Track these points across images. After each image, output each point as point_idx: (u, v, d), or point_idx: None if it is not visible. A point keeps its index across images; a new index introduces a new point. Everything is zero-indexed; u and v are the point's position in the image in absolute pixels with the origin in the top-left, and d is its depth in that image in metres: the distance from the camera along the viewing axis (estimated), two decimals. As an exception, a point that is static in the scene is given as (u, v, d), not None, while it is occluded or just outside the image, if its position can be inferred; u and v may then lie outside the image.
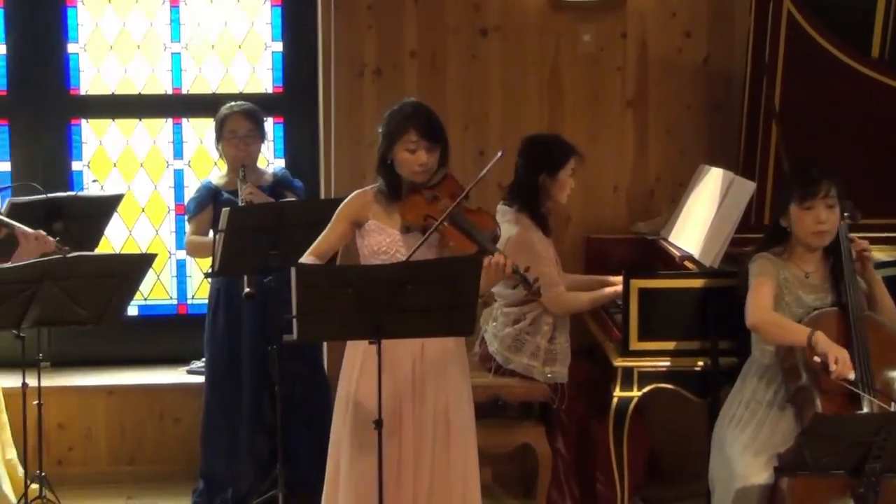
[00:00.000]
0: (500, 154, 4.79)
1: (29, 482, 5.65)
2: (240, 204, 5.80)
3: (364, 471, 4.71)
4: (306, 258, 4.81)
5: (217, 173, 6.37)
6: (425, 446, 4.77)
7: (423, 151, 4.75)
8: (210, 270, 5.73)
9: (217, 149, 6.19)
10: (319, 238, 4.87)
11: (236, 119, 6.08)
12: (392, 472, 4.73)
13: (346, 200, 4.89)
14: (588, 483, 5.93)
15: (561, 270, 5.89)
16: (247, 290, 5.54)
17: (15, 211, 5.42)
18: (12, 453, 5.93)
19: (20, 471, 5.91)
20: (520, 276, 4.66)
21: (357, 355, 4.82)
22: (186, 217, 6.24)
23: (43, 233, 4.79)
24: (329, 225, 4.86)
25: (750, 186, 5.62)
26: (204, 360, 6.35)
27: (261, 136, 6.15)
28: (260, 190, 5.97)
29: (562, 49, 6.64)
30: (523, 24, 6.61)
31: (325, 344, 6.47)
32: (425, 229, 4.69)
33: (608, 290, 5.83)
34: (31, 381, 5.58)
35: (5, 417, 5.92)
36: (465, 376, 4.92)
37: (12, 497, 5.84)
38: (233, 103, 6.16)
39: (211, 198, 6.12)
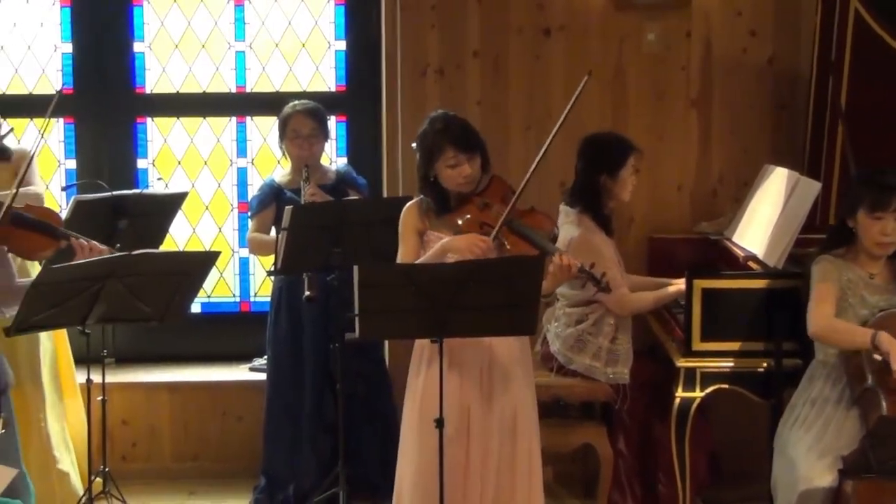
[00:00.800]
0: (541, 153, 4.78)
1: (93, 477, 5.70)
2: (302, 204, 5.82)
3: (429, 470, 4.71)
4: None
5: (280, 171, 6.39)
6: (491, 449, 4.78)
7: (465, 164, 4.75)
8: (272, 268, 5.76)
9: (280, 147, 6.20)
10: (400, 255, 4.88)
11: (299, 118, 6.09)
12: (458, 473, 4.74)
13: (403, 214, 4.92)
14: (650, 484, 5.91)
15: (624, 271, 5.86)
16: (307, 293, 5.55)
17: (80, 209, 5.46)
18: (66, 463, 5.98)
19: (73, 479, 5.95)
20: (586, 273, 4.65)
21: (423, 355, 4.83)
22: (249, 214, 6.27)
23: (96, 243, 4.82)
24: (401, 241, 4.90)
25: (815, 187, 5.57)
26: (266, 357, 6.37)
27: (324, 135, 6.16)
28: (322, 189, 5.98)
29: (626, 49, 6.61)
30: (587, 24, 6.58)
31: (386, 342, 6.48)
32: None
33: (671, 289, 5.79)
34: (96, 378, 5.63)
35: (55, 426, 5.95)
36: (530, 379, 4.93)
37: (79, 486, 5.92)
38: (296, 102, 6.18)
39: (274, 196, 6.14)
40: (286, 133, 6.11)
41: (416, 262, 4.77)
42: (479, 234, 4.70)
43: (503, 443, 4.79)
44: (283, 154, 6.23)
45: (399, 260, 4.87)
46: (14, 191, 4.75)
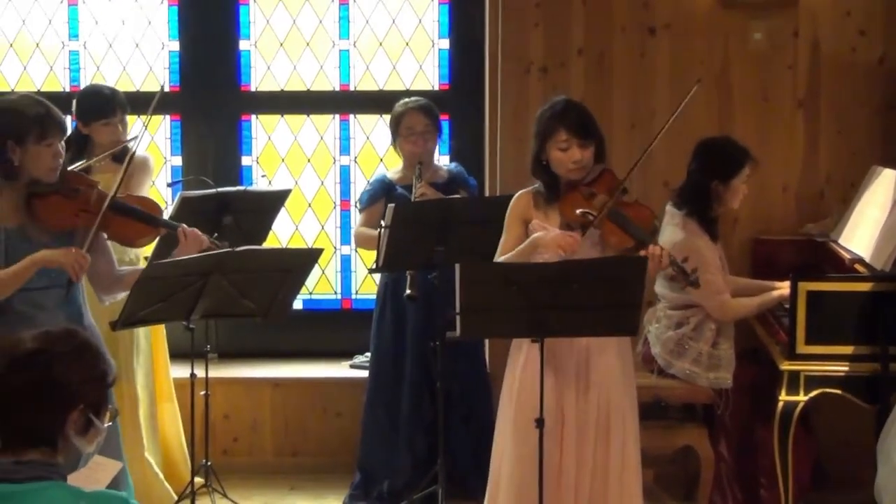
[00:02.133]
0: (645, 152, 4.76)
1: (195, 471, 5.76)
2: (403, 201, 5.83)
3: (525, 470, 4.71)
4: None
5: (393, 167, 6.40)
6: (586, 449, 4.75)
7: (576, 148, 4.72)
8: (374, 265, 5.77)
9: (393, 145, 6.19)
10: (501, 244, 4.87)
11: (413, 115, 6.08)
12: (553, 473, 4.72)
13: (511, 203, 4.90)
14: (751, 488, 5.84)
15: (728, 275, 5.80)
16: (408, 291, 5.55)
17: (186, 205, 5.51)
18: (157, 466, 6.04)
19: (164, 482, 6.02)
20: (677, 266, 4.62)
21: (520, 354, 4.82)
22: (359, 208, 6.27)
23: (197, 231, 4.86)
24: (505, 230, 4.88)
25: (925, 189, 5.49)
26: (367, 354, 6.38)
27: (437, 131, 6.14)
28: (433, 187, 5.96)
29: (731, 48, 6.55)
30: (692, 23, 6.53)
31: (487, 342, 6.47)
32: (584, 226, 4.67)
33: (775, 293, 5.73)
34: (199, 373, 5.69)
35: (142, 424, 6.01)
36: (631, 381, 4.88)
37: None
38: (408, 100, 6.17)
39: (385, 192, 6.11)
40: (399, 130, 6.09)
41: (505, 256, 4.76)
42: (581, 221, 4.69)
43: (598, 443, 4.76)
44: (396, 151, 6.21)
45: (499, 249, 4.86)
46: (119, 179, 4.81)
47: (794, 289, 5.34)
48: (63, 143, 4.56)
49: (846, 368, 5.37)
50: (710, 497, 5.81)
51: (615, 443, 4.77)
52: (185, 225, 4.83)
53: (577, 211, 4.69)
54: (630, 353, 4.91)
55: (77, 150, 5.66)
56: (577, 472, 4.75)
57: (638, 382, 5.08)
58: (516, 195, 4.92)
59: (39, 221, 4.53)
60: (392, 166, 6.43)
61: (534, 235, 4.73)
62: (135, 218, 4.73)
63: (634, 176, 6.22)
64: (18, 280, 4.47)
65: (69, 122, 5.57)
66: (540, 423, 4.55)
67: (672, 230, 5.61)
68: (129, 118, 5.97)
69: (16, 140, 4.43)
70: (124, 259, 5.56)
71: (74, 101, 5.82)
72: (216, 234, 5.19)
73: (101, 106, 5.81)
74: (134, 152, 5.17)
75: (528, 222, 4.83)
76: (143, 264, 5.35)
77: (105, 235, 4.70)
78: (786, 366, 5.40)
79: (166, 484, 6.00)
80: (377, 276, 6.46)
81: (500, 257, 4.83)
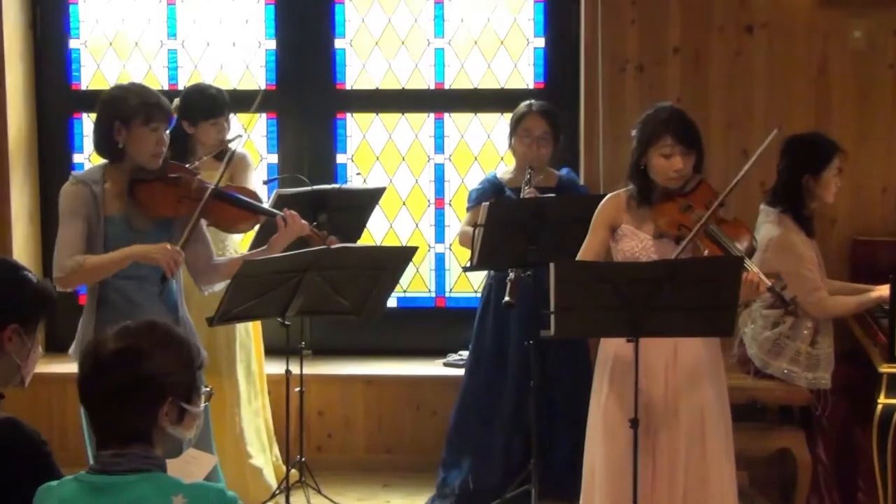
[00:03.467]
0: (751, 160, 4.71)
1: (290, 467, 5.80)
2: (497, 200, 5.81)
3: (618, 472, 4.69)
4: None
5: (504, 168, 6.38)
6: (679, 454, 4.71)
7: (679, 157, 4.68)
8: (468, 264, 5.76)
9: (509, 144, 6.16)
10: (584, 246, 4.85)
11: (534, 118, 6.03)
12: (647, 477, 4.70)
13: (600, 205, 4.87)
14: (849, 492, 5.78)
15: (824, 275, 5.73)
16: (506, 298, 5.48)
17: (282, 202, 5.54)
18: (260, 460, 6.10)
19: (266, 475, 6.06)
20: (775, 293, 4.56)
21: (609, 356, 4.80)
22: (466, 206, 6.25)
23: (297, 215, 4.92)
24: (590, 232, 4.85)
25: None
26: (461, 353, 6.37)
27: (555, 138, 6.05)
28: (543, 192, 5.89)
29: (830, 46, 6.47)
30: (791, 21, 6.47)
31: (589, 343, 6.44)
32: (678, 239, 4.64)
33: (874, 294, 5.65)
34: (294, 369, 5.72)
35: (232, 425, 6.04)
36: (721, 382, 4.83)
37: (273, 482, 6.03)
38: (532, 101, 6.12)
39: (494, 191, 6.07)
40: (517, 131, 6.05)
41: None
42: (676, 234, 4.65)
43: (692, 444, 4.72)
44: (511, 151, 6.17)
45: (582, 249, 4.83)
46: (222, 169, 4.90)
47: (893, 290, 5.27)
48: (168, 133, 4.66)
49: (948, 372, 5.29)
50: (807, 501, 5.74)
51: (712, 444, 4.73)
52: (286, 209, 4.90)
53: (675, 225, 4.65)
54: (719, 354, 4.86)
55: (180, 149, 5.71)
56: (671, 472, 4.72)
57: (734, 384, 5.04)
58: (607, 197, 4.89)
59: (142, 207, 4.64)
60: (509, 163, 6.39)
61: (137, 247, 4.63)
62: (235, 204, 4.81)
63: (731, 176, 6.19)
64: (110, 269, 4.61)
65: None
66: (634, 423, 4.53)
67: (767, 228, 5.57)
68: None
69: (122, 121, 4.60)
70: (222, 253, 5.62)
71: (179, 101, 5.87)
72: (316, 224, 5.23)
73: (210, 106, 5.87)
74: (234, 151, 5.23)
75: (616, 225, 4.80)
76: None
77: (205, 222, 4.78)
78: (885, 368, 5.32)
79: (267, 478, 6.04)
80: (474, 276, 6.45)
81: (580, 258, 4.81)
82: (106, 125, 4.63)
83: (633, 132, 4.80)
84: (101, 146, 4.69)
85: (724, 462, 4.78)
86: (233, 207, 4.82)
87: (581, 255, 4.83)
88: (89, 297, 4.73)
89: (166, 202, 4.68)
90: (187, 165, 5.33)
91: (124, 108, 4.60)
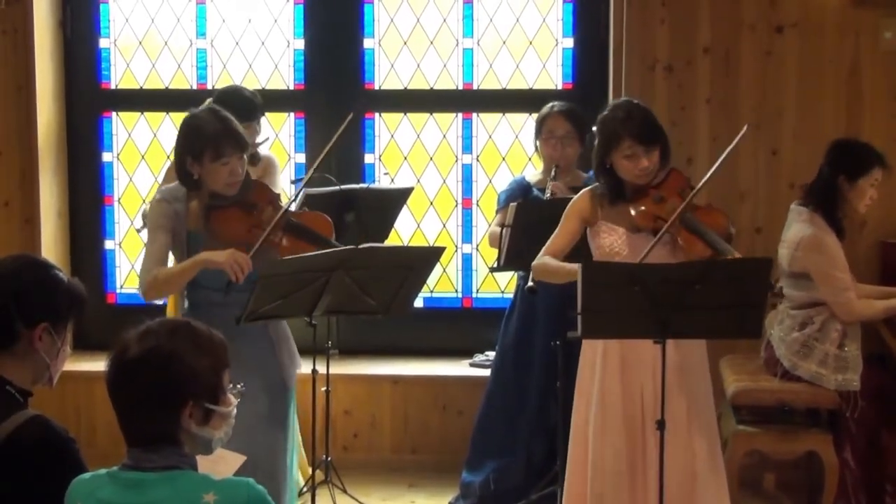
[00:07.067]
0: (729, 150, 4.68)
1: (316, 467, 5.80)
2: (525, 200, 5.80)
3: (615, 470, 4.74)
4: (539, 259, 4.81)
5: (532, 170, 6.37)
6: (667, 447, 4.70)
7: (642, 156, 4.67)
8: (494, 264, 5.75)
9: (535, 145, 6.16)
10: (553, 237, 4.87)
11: (556, 119, 6.04)
12: (640, 475, 4.72)
13: (574, 198, 4.90)
14: (877, 496, 5.74)
15: (853, 278, 5.70)
16: (530, 283, 5.50)
17: (310, 202, 5.56)
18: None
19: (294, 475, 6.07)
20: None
21: (596, 352, 4.80)
22: (496, 209, 6.24)
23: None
24: (560, 223, 4.86)
25: None
26: (488, 353, 6.36)
27: (579, 138, 6.04)
28: (569, 191, 5.89)
29: (862, 46, 6.43)
30: (821, 21, 6.43)
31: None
32: (655, 231, 4.63)
33: (903, 298, 5.64)
34: (321, 369, 5.73)
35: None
36: (707, 380, 4.86)
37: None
38: (555, 102, 6.13)
39: (521, 193, 6.07)
40: (541, 132, 6.06)
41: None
42: (653, 227, 4.65)
43: (678, 441, 4.71)
44: (537, 153, 6.17)
45: (549, 241, 4.85)
46: (293, 198, 4.97)
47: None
48: (245, 156, 4.72)
49: (977, 375, 5.27)
50: (833, 504, 5.72)
51: (699, 441, 4.74)
52: None
53: (651, 218, 4.64)
54: (706, 362, 4.85)
55: None
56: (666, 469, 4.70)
57: (761, 386, 5.04)
58: (579, 193, 4.92)
59: (213, 234, 4.69)
60: (537, 165, 6.37)
61: (204, 254, 4.65)
62: (306, 240, 4.82)
63: (760, 176, 6.17)
64: (182, 278, 4.73)
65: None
66: (661, 424, 4.51)
67: (799, 227, 5.55)
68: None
69: (193, 157, 4.68)
70: None
71: (212, 102, 5.85)
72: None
73: (246, 109, 5.82)
74: (261, 155, 5.23)
75: (591, 221, 4.81)
76: None
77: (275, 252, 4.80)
78: (914, 372, 5.30)
79: (299, 479, 6.03)
80: (501, 276, 6.42)
81: (545, 252, 4.83)
82: (181, 159, 4.73)
83: (594, 129, 4.80)
84: (180, 177, 4.78)
85: (713, 458, 4.79)
86: (304, 242, 4.83)
87: (549, 246, 4.85)
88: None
89: (237, 232, 4.73)
90: None
91: (193, 144, 4.69)
